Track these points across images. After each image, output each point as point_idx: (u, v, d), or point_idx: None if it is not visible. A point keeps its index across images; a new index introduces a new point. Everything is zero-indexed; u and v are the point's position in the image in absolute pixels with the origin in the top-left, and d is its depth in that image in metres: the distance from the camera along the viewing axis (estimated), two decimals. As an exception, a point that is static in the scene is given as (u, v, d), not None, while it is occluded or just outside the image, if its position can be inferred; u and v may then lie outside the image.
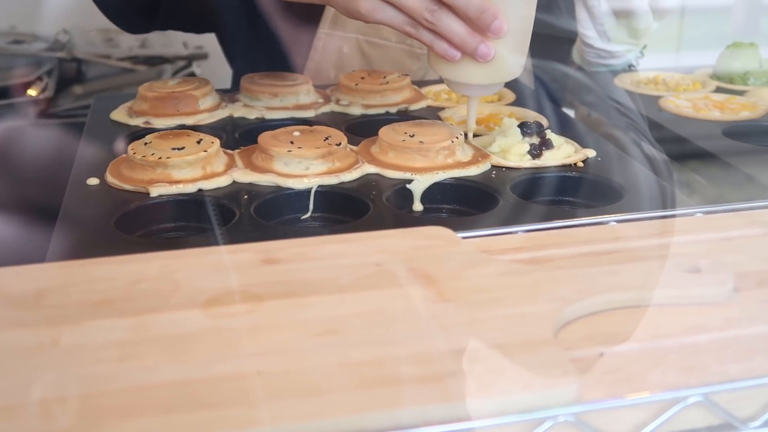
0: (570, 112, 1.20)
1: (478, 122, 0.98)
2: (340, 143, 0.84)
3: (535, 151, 0.86)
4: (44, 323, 0.47)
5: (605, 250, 0.57)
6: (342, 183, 0.81)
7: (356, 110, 1.04)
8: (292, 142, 0.83)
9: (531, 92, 1.15)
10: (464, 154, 0.86)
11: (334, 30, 1.19)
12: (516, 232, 0.61)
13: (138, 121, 0.99)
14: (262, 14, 1.19)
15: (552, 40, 0.90)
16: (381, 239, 0.58)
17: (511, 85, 1.01)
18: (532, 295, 0.50)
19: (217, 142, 0.84)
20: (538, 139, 0.87)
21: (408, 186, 0.81)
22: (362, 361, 0.44)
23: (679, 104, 1.11)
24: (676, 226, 0.62)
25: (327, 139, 0.84)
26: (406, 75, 1.10)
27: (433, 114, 1.03)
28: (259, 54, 1.25)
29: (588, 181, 0.84)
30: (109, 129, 0.98)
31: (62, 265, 0.55)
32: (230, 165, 0.84)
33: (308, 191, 0.80)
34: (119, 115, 1.01)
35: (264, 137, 0.84)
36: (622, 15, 1.08)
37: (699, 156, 0.96)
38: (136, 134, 0.95)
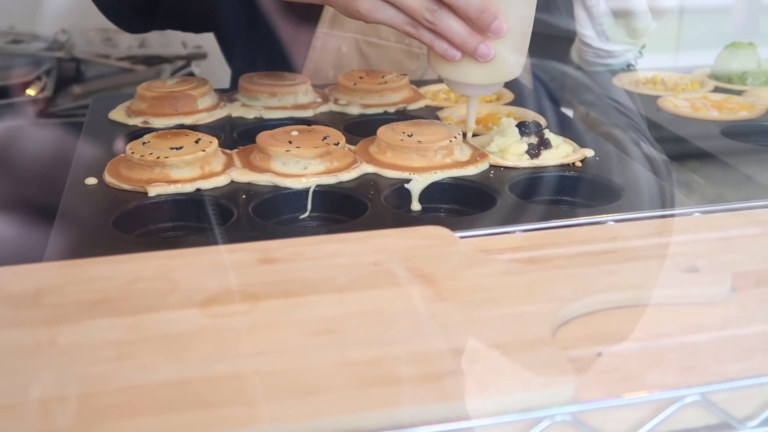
0: (568, 112, 1.20)
1: (477, 122, 0.98)
2: (338, 143, 0.84)
3: (534, 151, 0.86)
4: (42, 322, 0.47)
5: (603, 250, 0.57)
6: (340, 182, 0.81)
7: (355, 110, 1.04)
8: (290, 142, 0.83)
9: (529, 92, 1.15)
10: (462, 153, 0.86)
11: (333, 30, 1.19)
12: (514, 232, 0.61)
13: (136, 121, 0.99)
14: (261, 14, 1.19)
15: (550, 40, 0.90)
16: (379, 239, 0.58)
17: (510, 84, 1.01)
18: (529, 295, 0.50)
19: (216, 141, 0.84)
20: (537, 139, 0.87)
21: (406, 185, 0.81)
22: (360, 361, 0.44)
23: (677, 104, 1.11)
24: (674, 225, 0.62)
25: (325, 138, 0.84)
26: (405, 75, 1.10)
27: (431, 114, 1.03)
28: (258, 54, 1.25)
29: (586, 180, 0.84)
30: (108, 129, 0.98)
31: (60, 265, 0.55)
32: (228, 165, 0.84)
33: (306, 191, 0.80)
34: (118, 114, 1.01)
35: (262, 137, 0.84)
36: (621, 15, 1.08)
37: (697, 156, 0.96)
38: (135, 134, 0.95)
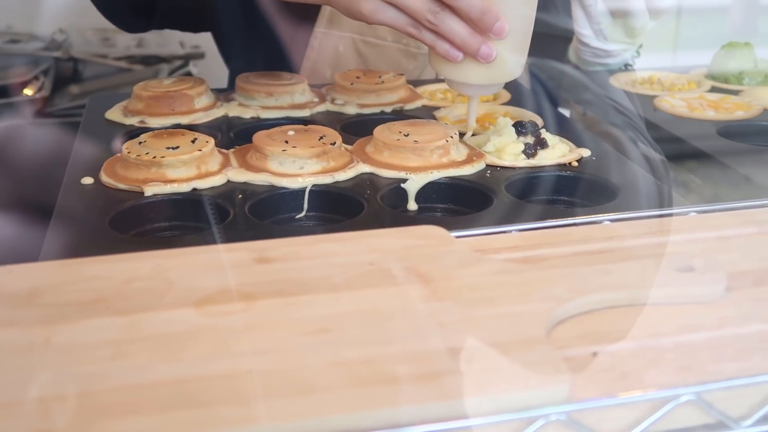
0: (566, 112, 1.20)
1: (473, 122, 0.98)
2: (334, 142, 0.84)
3: (530, 151, 0.86)
4: (37, 322, 0.47)
5: (599, 250, 0.57)
6: (336, 182, 0.81)
7: (351, 109, 1.04)
8: (286, 142, 0.83)
9: (527, 91, 1.15)
10: (459, 153, 0.86)
11: (331, 29, 1.19)
12: (510, 232, 0.61)
13: (133, 121, 0.99)
14: (259, 13, 1.19)
15: (548, 39, 0.90)
16: (375, 238, 0.58)
17: (507, 84, 1.01)
18: (525, 294, 0.50)
19: (212, 141, 0.84)
20: (533, 139, 0.87)
21: (402, 185, 0.81)
22: (355, 360, 0.44)
23: (674, 104, 1.11)
24: (670, 225, 0.62)
25: (322, 138, 0.84)
26: (401, 74, 1.11)
27: (428, 113, 1.03)
28: (256, 53, 1.25)
29: (582, 180, 0.84)
30: (104, 128, 0.98)
31: (56, 264, 0.55)
32: (225, 164, 0.84)
33: (303, 190, 0.80)
34: (114, 114, 1.01)
35: (259, 136, 0.84)
36: (619, 14, 1.08)
37: (693, 155, 0.96)
38: (131, 133, 0.94)
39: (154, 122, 0.98)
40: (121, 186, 0.79)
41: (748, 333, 0.49)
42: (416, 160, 0.84)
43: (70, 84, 1.86)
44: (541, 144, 0.87)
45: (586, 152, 0.89)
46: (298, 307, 0.49)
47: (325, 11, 1.18)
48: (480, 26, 0.79)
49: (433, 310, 0.49)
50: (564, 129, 0.97)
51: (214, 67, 1.58)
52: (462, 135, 0.92)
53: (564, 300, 0.50)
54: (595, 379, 0.44)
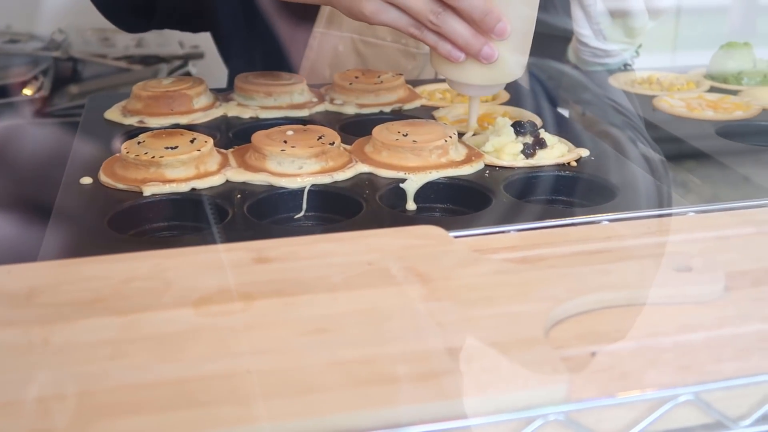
0: (565, 112, 1.20)
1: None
2: (333, 142, 0.84)
3: (529, 151, 0.86)
4: (36, 322, 0.47)
5: (597, 249, 0.57)
6: (335, 182, 0.81)
7: (350, 109, 1.04)
8: (285, 141, 0.83)
9: (526, 91, 1.15)
10: (457, 153, 0.86)
11: (330, 29, 1.19)
12: (508, 232, 0.61)
13: (132, 121, 0.99)
14: (258, 13, 1.19)
15: (547, 39, 0.91)
16: (373, 238, 0.58)
17: (506, 84, 1.02)
18: (523, 294, 0.50)
19: (211, 141, 0.84)
20: (532, 139, 0.87)
21: (401, 185, 0.81)
22: (353, 360, 0.44)
23: (672, 104, 1.11)
24: (668, 225, 0.62)
25: (320, 138, 0.84)
26: (400, 74, 1.11)
27: (427, 113, 1.03)
28: (255, 53, 1.25)
29: (581, 180, 0.84)
30: (103, 128, 0.98)
31: (55, 264, 0.55)
32: (224, 164, 0.84)
33: (301, 190, 0.80)
34: (113, 114, 1.01)
35: (257, 136, 0.84)
36: (618, 14, 1.08)
37: (692, 155, 0.96)
38: (130, 133, 0.94)
39: (153, 122, 0.98)
40: (120, 186, 0.79)
41: (746, 333, 0.49)
42: (415, 160, 0.84)
43: (69, 84, 1.86)
44: (540, 144, 0.87)
45: (584, 152, 0.89)
46: (297, 307, 0.49)
47: (325, 11, 1.18)
48: (482, 27, 0.80)
49: (432, 310, 0.49)
50: (563, 129, 0.97)
51: (214, 67, 1.58)
52: (461, 135, 0.92)
53: (562, 300, 0.50)
54: (593, 379, 0.44)
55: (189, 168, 0.81)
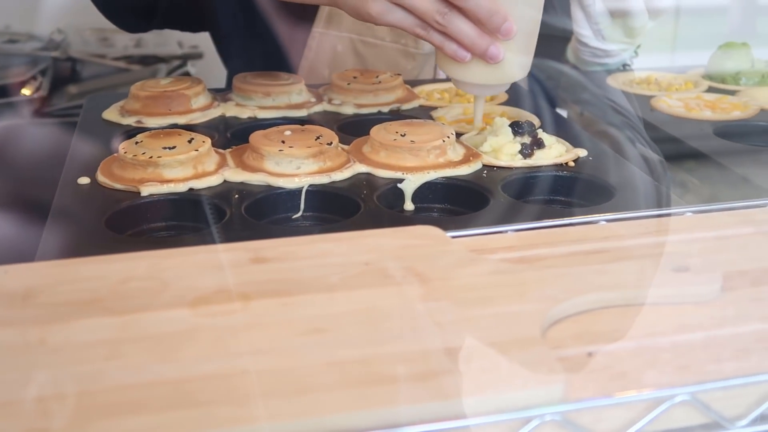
0: (563, 112, 1.20)
1: (469, 122, 0.98)
2: (331, 142, 0.84)
3: (527, 151, 0.86)
4: (33, 322, 0.47)
5: (594, 250, 0.57)
6: (333, 182, 0.81)
7: (348, 109, 1.04)
8: (283, 142, 0.83)
9: (524, 92, 1.15)
10: (455, 153, 0.86)
11: (329, 29, 1.19)
12: (506, 232, 0.61)
13: (130, 121, 0.99)
14: (257, 14, 1.19)
15: (547, 39, 0.91)
16: (371, 238, 0.58)
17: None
18: (520, 294, 0.50)
19: (209, 141, 0.84)
20: (530, 139, 0.87)
21: (399, 185, 0.81)
22: (351, 360, 0.44)
23: (670, 104, 1.11)
24: (665, 225, 0.62)
25: (318, 138, 0.84)
26: (399, 74, 1.11)
27: (425, 113, 1.03)
28: (254, 53, 1.25)
29: (579, 180, 0.84)
30: (101, 128, 0.98)
31: (52, 264, 0.55)
32: (221, 164, 0.84)
33: (299, 190, 0.80)
34: (111, 114, 1.01)
35: (255, 136, 0.84)
36: (618, 14, 1.08)
37: (690, 155, 0.96)
38: (128, 133, 0.94)
39: (151, 122, 0.98)
40: (118, 186, 0.79)
41: (745, 333, 0.49)
42: (413, 160, 0.84)
43: (68, 84, 1.86)
44: (538, 144, 0.87)
45: (582, 152, 0.89)
46: (295, 307, 0.49)
47: (324, 11, 1.18)
48: (488, 26, 0.80)
49: (429, 310, 0.49)
50: (561, 129, 0.97)
51: (213, 68, 1.58)
52: (459, 135, 0.92)
53: (560, 300, 0.50)
54: (591, 379, 0.44)
55: (187, 168, 0.81)
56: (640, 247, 0.58)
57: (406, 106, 1.06)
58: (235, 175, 0.81)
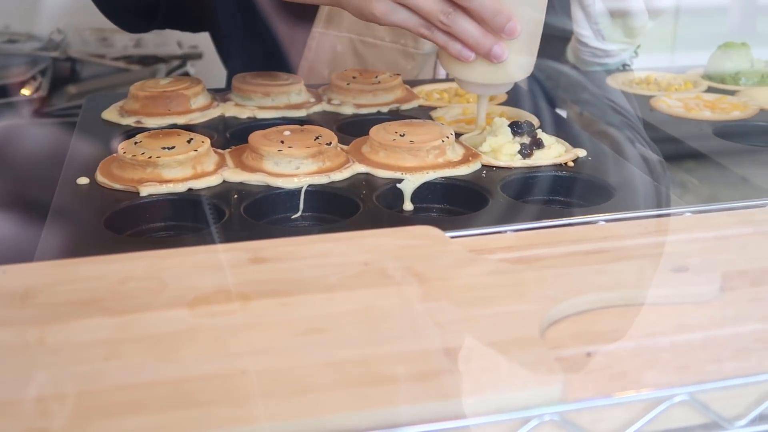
0: (563, 112, 1.20)
1: (469, 122, 0.98)
2: (330, 143, 0.84)
3: (526, 151, 0.86)
4: (31, 322, 0.47)
5: (594, 250, 0.57)
6: (332, 182, 0.81)
7: (348, 110, 1.04)
8: (282, 142, 0.83)
9: (523, 91, 1.15)
10: (455, 153, 0.86)
11: (328, 29, 1.19)
12: (505, 232, 0.61)
13: (129, 121, 0.99)
14: (257, 14, 1.19)
15: (546, 39, 0.91)
16: (370, 239, 0.58)
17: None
18: (519, 295, 0.50)
19: (208, 141, 0.84)
20: (529, 139, 0.87)
21: (398, 185, 0.81)
22: (350, 360, 0.44)
23: (670, 104, 1.11)
24: (664, 225, 0.62)
25: (317, 138, 0.84)
26: (398, 75, 1.11)
27: (424, 114, 1.03)
28: (254, 53, 1.25)
29: (578, 180, 0.84)
30: (101, 128, 0.98)
31: (51, 264, 0.55)
32: (221, 164, 0.84)
33: (298, 191, 0.80)
34: (110, 114, 1.01)
35: (254, 136, 0.84)
36: (618, 14, 1.08)
37: (690, 156, 0.96)
38: (128, 133, 0.94)
39: (150, 122, 0.98)
40: (117, 186, 0.79)
41: (744, 333, 0.49)
42: (412, 161, 0.84)
43: (67, 84, 1.86)
44: (537, 144, 0.87)
45: (582, 152, 0.89)
46: (294, 307, 0.49)
47: (323, 11, 1.18)
48: (492, 26, 0.80)
49: (429, 310, 0.49)
50: (560, 129, 0.97)
51: (213, 68, 1.58)
52: (458, 135, 0.92)
53: (559, 300, 0.50)
54: (590, 379, 0.44)
55: (186, 168, 0.81)
56: (640, 247, 0.58)
57: (405, 107, 1.06)
58: (234, 175, 0.81)
